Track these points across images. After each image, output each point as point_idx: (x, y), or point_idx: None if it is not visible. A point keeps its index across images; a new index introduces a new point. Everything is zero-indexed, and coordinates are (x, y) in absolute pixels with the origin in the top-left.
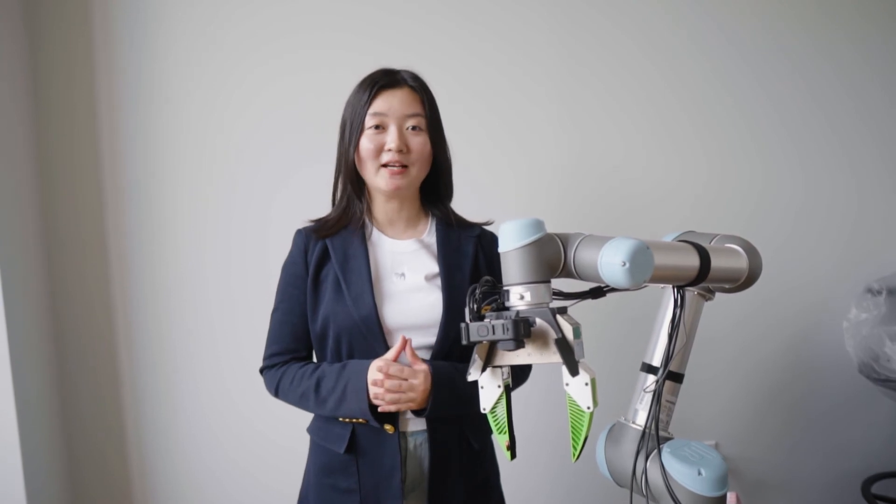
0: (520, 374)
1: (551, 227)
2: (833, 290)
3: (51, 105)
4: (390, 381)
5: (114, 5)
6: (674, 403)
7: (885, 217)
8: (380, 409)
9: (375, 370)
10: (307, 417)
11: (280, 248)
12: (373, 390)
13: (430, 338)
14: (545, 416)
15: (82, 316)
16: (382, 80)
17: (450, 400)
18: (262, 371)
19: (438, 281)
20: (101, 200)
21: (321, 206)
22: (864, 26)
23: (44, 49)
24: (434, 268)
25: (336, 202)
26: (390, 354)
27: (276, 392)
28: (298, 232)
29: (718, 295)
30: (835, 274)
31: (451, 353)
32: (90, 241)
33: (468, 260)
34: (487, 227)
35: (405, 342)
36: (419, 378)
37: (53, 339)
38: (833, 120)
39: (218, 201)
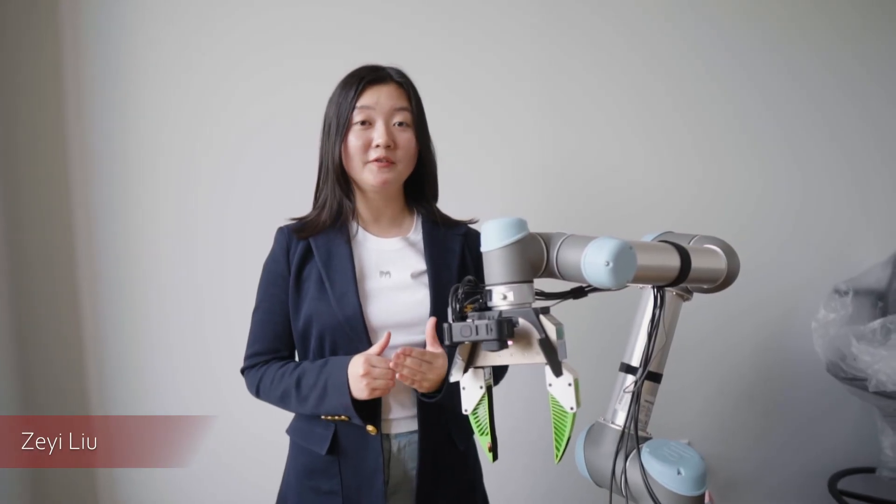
0: (499, 371)
1: (537, 228)
2: (802, 291)
3: (14, 94)
4: (411, 358)
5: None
6: (652, 403)
7: (852, 219)
8: (398, 377)
9: (360, 364)
10: (290, 415)
11: (263, 246)
12: (361, 382)
13: (417, 336)
14: (525, 417)
15: (50, 317)
16: (369, 76)
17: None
18: (243, 371)
19: (425, 278)
20: (69, 208)
21: (303, 203)
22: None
23: (6, 44)
24: (420, 265)
25: (320, 202)
26: (374, 349)
27: (257, 392)
28: (280, 230)
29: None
30: (804, 276)
31: None
32: (58, 246)
33: (455, 258)
34: (472, 226)
35: (389, 337)
36: (439, 361)
37: (18, 337)
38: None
39: (195, 200)
